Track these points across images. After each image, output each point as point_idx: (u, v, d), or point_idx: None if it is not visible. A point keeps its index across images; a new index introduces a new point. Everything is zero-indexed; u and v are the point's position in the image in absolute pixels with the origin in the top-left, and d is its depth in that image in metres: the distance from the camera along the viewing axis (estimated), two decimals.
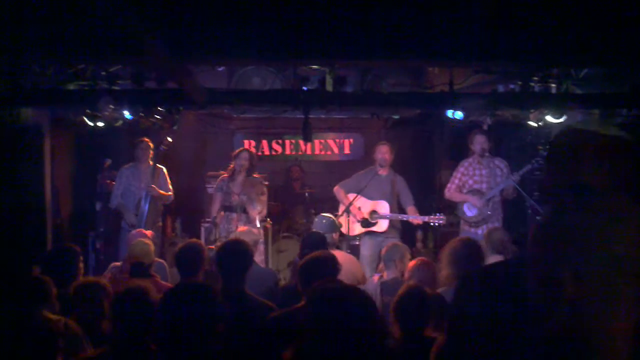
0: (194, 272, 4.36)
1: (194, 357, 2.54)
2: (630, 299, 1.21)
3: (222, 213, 7.09)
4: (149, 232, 6.04)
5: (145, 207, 7.26)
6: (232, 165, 7.21)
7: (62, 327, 3.26)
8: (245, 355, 3.19)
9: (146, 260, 5.04)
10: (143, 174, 7.42)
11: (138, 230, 6.15)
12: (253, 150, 9.78)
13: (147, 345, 2.96)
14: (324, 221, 6.35)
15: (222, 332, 2.58)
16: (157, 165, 7.49)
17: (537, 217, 7.90)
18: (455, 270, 4.09)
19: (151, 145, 7.46)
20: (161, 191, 7.42)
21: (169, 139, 7.51)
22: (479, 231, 6.85)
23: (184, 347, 2.54)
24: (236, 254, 4.01)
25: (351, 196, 7.10)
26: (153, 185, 7.32)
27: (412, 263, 4.84)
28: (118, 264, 5.82)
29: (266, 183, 7.73)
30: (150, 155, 7.47)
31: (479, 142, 6.97)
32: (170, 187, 7.61)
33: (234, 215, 7.06)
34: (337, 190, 7.33)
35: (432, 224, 7.07)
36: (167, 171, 7.70)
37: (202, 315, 2.54)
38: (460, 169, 7.14)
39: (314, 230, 6.18)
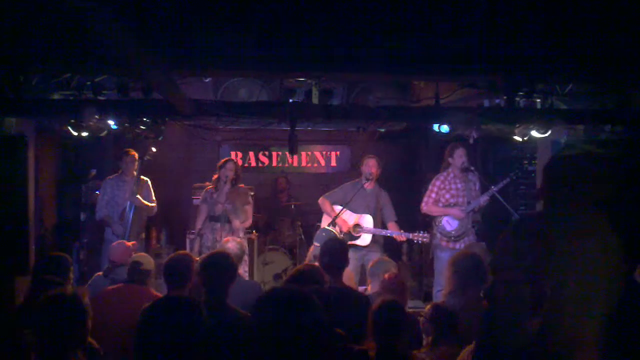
0: (182, 284, 4.31)
1: None
2: (602, 311, 1.21)
3: (207, 223, 7.07)
4: (130, 243, 6.01)
5: (130, 217, 7.21)
6: (216, 176, 7.19)
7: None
8: None
9: (144, 266, 4.95)
10: (127, 185, 7.36)
11: (119, 241, 6.11)
12: (240, 161, 9.81)
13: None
14: (324, 234, 6.36)
15: (204, 346, 2.56)
16: (142, 176, 7.45)
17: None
18: (458, 284, 4.11)
19: (136, 156, 7.41)
20: (145, 202, 7.37)
21: (154, 149, 7.47)
22: (457, 246, 6.82)
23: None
24: (220, 266, 3.99)
25: (336, 208, 7.09)
26: (137, 196, 7.27)
27: (385, 276, 4.86)
28: (101, 273, 5.81)
29: (252, 193, 7.70)
30: (135, 167, 7.42)
31: (459, 155, 6.95)
32: (154, 198, 7.55)
33: (218, 225, 7.03)
34: (323, 201, 7.31)
35: (415, 241, 7.05)
36: (152, 182, 7.66)
37: (186, 331, 2.52)
38: (437, 182, 7.08)
39: (317, 242, 6.18)
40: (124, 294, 4.63)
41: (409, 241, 7.32)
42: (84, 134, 6.59)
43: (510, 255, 1.40)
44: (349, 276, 5.75)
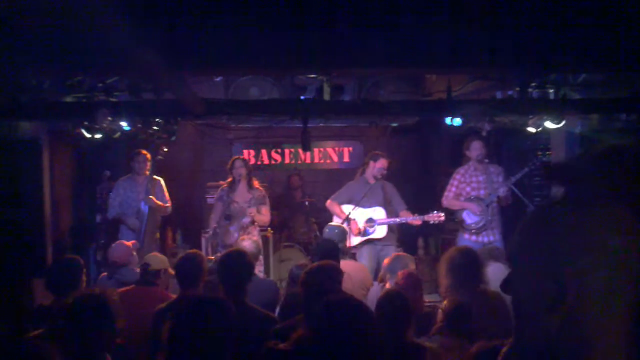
0: (194, 284, 4.30)
1: None
2: (625, 311, 1.19)
3: (222, 222, 7.08)
4: (130, 243, 5.97)
5: (145, 217, 7.21)
6: (230, 178, 7.20)
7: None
8: None
9: (153, 266, 4.90)
10: (140, 186, 7.35)
11: (118, 242, 6.06)
12: (252, 159, 9.82)
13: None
14: (336, 230, 6.34)
15: (233, 348, 2.57)
16: (154, 176, 7.44)
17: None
18: (454, 281, 4.05)
19: (148, 156, 7.41)
20: (159, 202, 7.37)
21: (165, 149, 7.45)
22: (480, 238, 6.80)
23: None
24: (237, 264, 4.00)
25: (345, 208, 7.07)
26: (151, 197, 7.28)
27: (398, 274, 4.86)
28: (105, 274, 5.85)
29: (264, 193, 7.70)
30: (148, 167, 7.43)
31: (475, 148, 6.91)
32: (168, 198, 7.55)
33: (235, 224, 7.05)
34: (331, 204, 7.26)
35: (431, 222, 7.01)
36: (166, 182, 7.66)
37: (217, 331, 2.54)
38: (457, 176, 7.06)
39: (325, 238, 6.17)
40: (134, 296, 4.61)
41: (426, 231, 7.27)
42: (97, 136, 6.62)
43: (528, 246, 1.37)
44: (365, 273, 5.74)
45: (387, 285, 5.35)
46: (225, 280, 3.93)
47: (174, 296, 4.54)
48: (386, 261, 5.48)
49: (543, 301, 1.22)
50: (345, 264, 5.00)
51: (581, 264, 1.18)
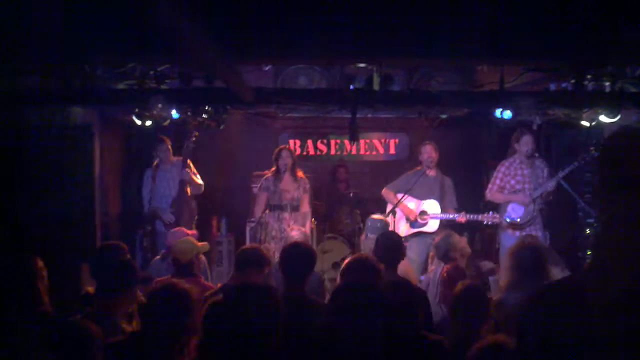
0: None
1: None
2: None
3: (269, 212, 7.09)
4: (191, 232, 5.98)
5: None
6: (274, 168, 7.20)
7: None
8: None
9: (183, 258, 4.94)
10: (169, 173, 7.39)
11: (179, 228, 6.08)
12: (298, 150, 9.82)
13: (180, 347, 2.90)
14: (378, 225, 6.30)
15: (279, 338, 2.53)
16: (186, 159, 7.39)
17: (588, 220, 7.73)
18: (518, 277, 3.98)
19: (169, 143, 7.43)
20: (195, 178, 7.35)
21: (196, 133, 7.37)
22: (524, 233, 6.65)
23: (237, 350, 2.48)
24: (299, 257, 4.02)
25: (399, 196, 7.01)
26: (187, 169, 7.26)
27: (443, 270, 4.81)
28: (159, 257, 6.01)
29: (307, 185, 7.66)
30: (171, 153, 7.44)
31: (526, 142, 6.81)
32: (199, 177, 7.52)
33: (286, 214, 7.06)
34: (386, 192, 7.26)
35: (485, 222, 6.92)
36: (210, 170, 7.73)
37: (261, 318, 2.49)
38: (502, 169, 6.97)
39: (369, 233, 6.13)
40: None
41: (471, 226, 7.18)
42: (148, 123, 6.67)
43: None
44: (409, 267, 5.69)
45: (432, 270, 5.32)
46: (286, 271, 3.95)
47: (213, 285, 4.57)
48: (437, 239, 5.43)
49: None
50: None
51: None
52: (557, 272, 4.55)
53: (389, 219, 6.91)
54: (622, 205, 1.23)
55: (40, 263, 3.81)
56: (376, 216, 6.80)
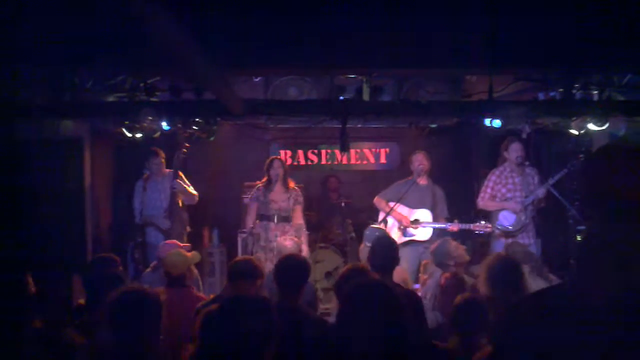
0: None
1: None
2: None
3: (259, 222, 7.09)
4: (183, 245, 5.92)
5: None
6: (265, 178, 7.21)
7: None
8: None
9: (175, 271, 4.86)
10: (160, 185, 7.38)
11: (172, 241, 6.06)
12: (289, 160, 9.82)
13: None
14: (377, 233, 6.31)
15: (274, 349, 2.52)
16: (177, 170, 7.34)
17: (578, 227, 7.76)
18: (492, 290, 3.90)
19: (162, 155, 7.43)
20: (188, 188, 7.31)
21: (187, 145, 7.37)
22: (519, 241, 6.68)
23: None
24: (294, 268, 4.02)
25: (392, 204, 7.03)
26: (178, 180, 7.23)
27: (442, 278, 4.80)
28: (149, 269, 5.99)
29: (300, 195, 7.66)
30: (163, 166, 7.45)
31: (514, 150, 6.84)
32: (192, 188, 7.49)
33: (272, 224, 7.06)
34: (378, 200, 7.28)
35: (477, 232, 6.94)
36: (202, 181, 7.72)
37: (256, 329, 2.49)
38: (492, 177, 7.00)
39: (367, 242, 6.13)
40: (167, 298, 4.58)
41: (462, 235, 7.19)
42: (138, 135, 6.67)
43: None
44: (401, 274, 5.70)
45: (424, 278, 5.30)
46: (281, 282, 3.94)
47: (204, 296, 4.55)
48: (433, 247, 5.42)
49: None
50: None
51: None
52: (541, 284, 4.48)
53: (381, 227, 6.93)
54: (599, 223, 1.24)
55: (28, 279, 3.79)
56: (375, 225, 6.83)
